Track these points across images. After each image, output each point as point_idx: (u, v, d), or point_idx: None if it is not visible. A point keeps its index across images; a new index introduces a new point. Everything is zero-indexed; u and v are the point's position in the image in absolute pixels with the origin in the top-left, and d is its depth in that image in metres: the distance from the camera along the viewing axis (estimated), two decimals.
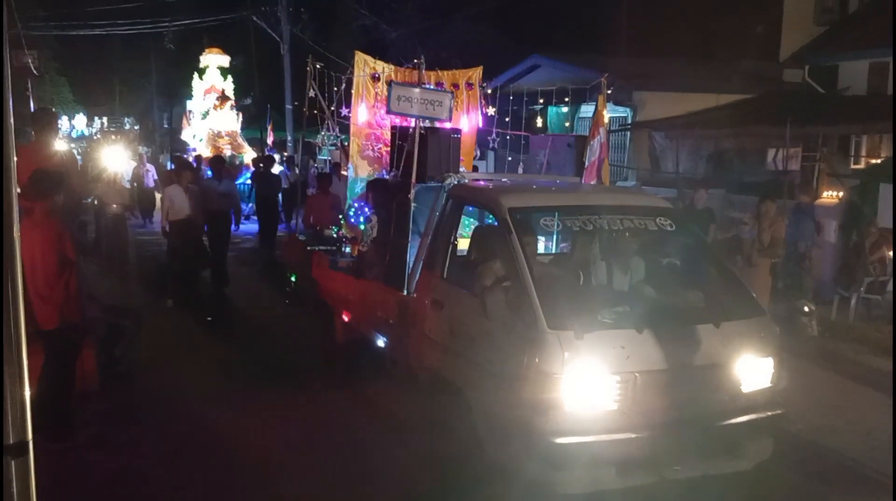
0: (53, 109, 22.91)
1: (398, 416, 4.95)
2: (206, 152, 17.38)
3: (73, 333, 4.53)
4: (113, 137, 25.20)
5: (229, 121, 19.69)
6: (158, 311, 7.94)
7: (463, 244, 4.69)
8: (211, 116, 19.43)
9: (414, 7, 25.06)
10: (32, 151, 5.51)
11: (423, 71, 5.42)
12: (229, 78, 20.53)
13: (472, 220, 5.41)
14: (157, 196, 15.51)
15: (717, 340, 3.92)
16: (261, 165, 13.50)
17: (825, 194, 10.19)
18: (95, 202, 9.97)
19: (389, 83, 5.19)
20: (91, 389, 5.21)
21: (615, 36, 20.04)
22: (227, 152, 18.18)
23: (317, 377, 5.96)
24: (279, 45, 24.79)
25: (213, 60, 20.42)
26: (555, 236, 5.41)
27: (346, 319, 5.69)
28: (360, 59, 6.59)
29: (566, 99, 9.02)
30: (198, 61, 22.58)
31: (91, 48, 33.27)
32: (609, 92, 6.60)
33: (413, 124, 5.19)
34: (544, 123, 14.68)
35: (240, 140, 19.91)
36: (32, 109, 18.56)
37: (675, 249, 4.61)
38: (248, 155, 19.20)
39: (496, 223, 4.28)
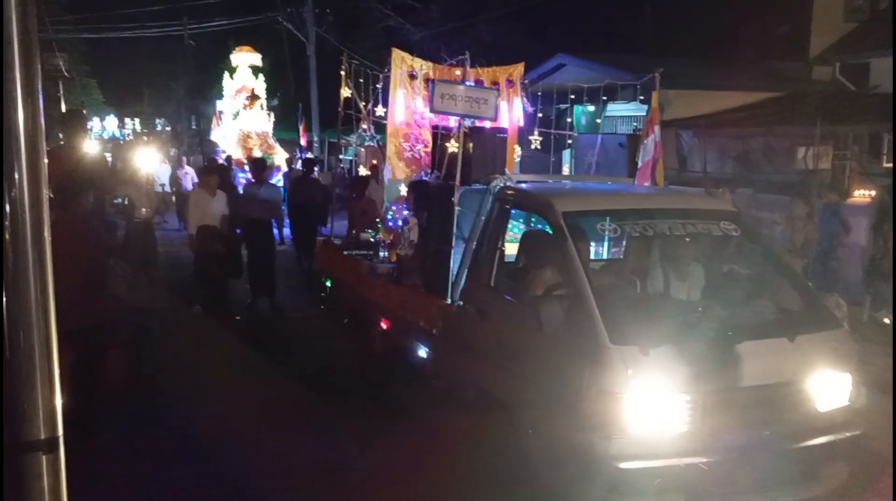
0: (84, 111, 23.15)
1: (441, 434, 4.62)
2: (237, 153, 17.00)
3: (99, 334, 4.54)
4: (145, 138, 25.18)
5: (260, 121, 19.08)
6: (185, 316, 7.80)
7: (510, 250, 4.41)
8: (241, 117, 18.82)
9: (438, 9, 24.90)
10: (63, 154, 5.41)
11: (467, 68, 5.13)
12: (261, 77, 19.73)
13: (518, 223, 5.12)
14: None
15: (792, 355, 3.60)
16: (294, 167, 13.11)
17: (856, 192, 9.82)
18: (125, 203, 9.81)
19: (433, 81, 4.87)
20: (116, 390, 5.15)
21: (640, 35, 19.67)
22: (258, 154, 17.62)
23: (350, 387, 5.73)
24: (304, 46, 24.78)
25: (245, 59, 19.56)
26: (605, 241, 5.10)
27: (383, 327, 5.44)
28: (398, 56, 6.33)
29: (603, 98, 8.69)
30: (225, 62, 22.58)
31: (120, 50, 33.69)
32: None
33: (456, 124, 4.94)
34: (571, 122, 14.46)
35: (270, 141, 19.28)
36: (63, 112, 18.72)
37: (738, 255, 4.28)
38: (280, 156, 18.82)
39: (547, 228, 4.00)
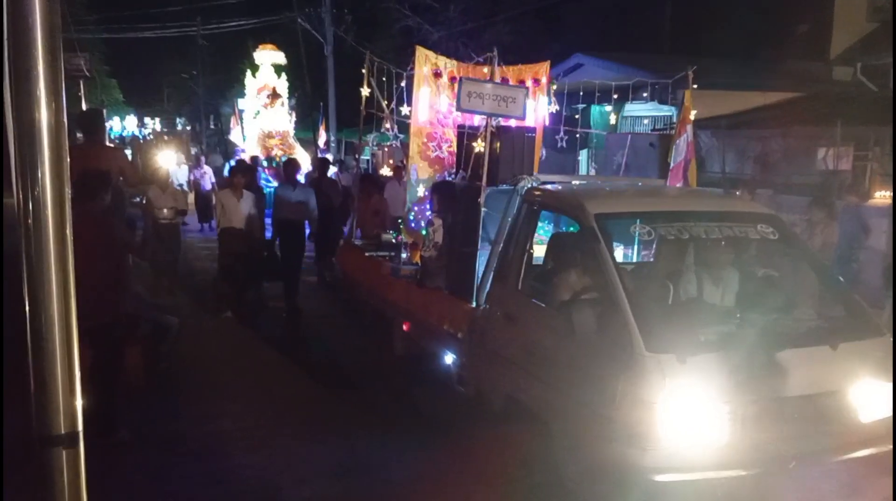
0: (104, 110, 23.32)
1: (465, 442, 4.47)
2: (256, 153, 16.70)
3: (119, 329, 4.56)
4: (165, 138, 25.14)
5: (281, 120, 18.67)
6: (206, 315, 7.75)
7: (538, 252, 4.28)
8: (262, 116, 18.41)
9: (456, 9, 24.81)
10: (82, 153, 5.38)
11: (496, 66, 5.01)
12: (283, 76, 19.29)
13: (544, 225, 4.99)
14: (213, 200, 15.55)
15: (835, 364, 3.45)
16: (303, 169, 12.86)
17: (877, 194, 9.56)
18: (144, 202, 9.58)
19: (459, 79, 4.69)
20: (135, 385, 5.23)
21: (659, 35, 19.43)
22: (278, 153, 17.48)
23: (371, 390, 5.63)
24: (322, 46, 24.79)
25: (268, 57, 19.06)
26: (635, 244, 4.96)
27: (406, 330, 5.33)
28: (421, 54, 6.19)
29: (615, 96, 8.55)
30: (243, 62, 22.54)
31: (140, 50, 33.97)
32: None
33: (482, 123, 4.82)
34: (586, 122, 14.40)
35: (291, 141, 18.90)
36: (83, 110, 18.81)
37: (776, 259, 4.12)
38: (299, 156, 18.31)
39: (578, 230, 3.87)
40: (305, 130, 22.90)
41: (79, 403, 1.33)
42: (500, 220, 4.32)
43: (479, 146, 4.64)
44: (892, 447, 3.59)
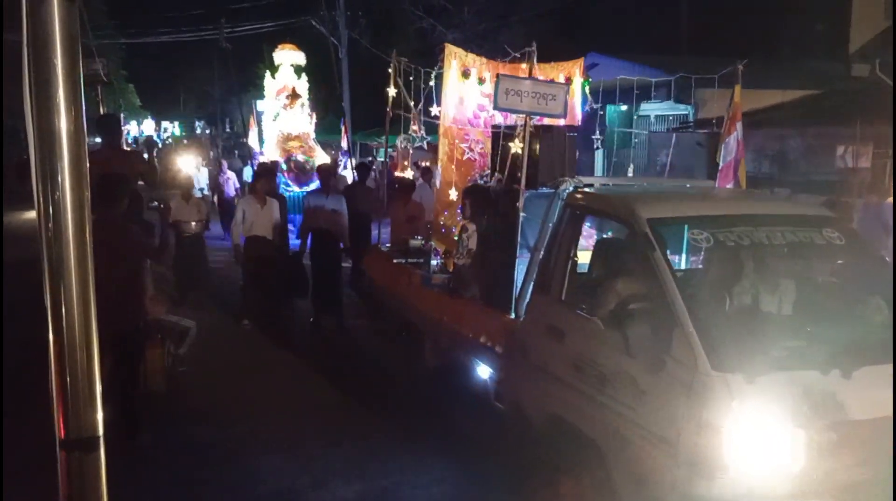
0: (122, 114, 23.27)
1: (505, 462, 4.24)
2: (275, 156, 16.06)
3: (139, 334, 4.56)
4: (185, 141, 24.91)
5: (301, 122, 17.76)
6: (232, 323, 7.58)
7: (582, 259, 4.01)
8: (281, 117, 17.53)
9: (471, 10, 24.64)
10: (100, 158, 5.26)
11: (534, 62, 4.75)
12: (303, 76, 18.39)
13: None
14: None
15: None
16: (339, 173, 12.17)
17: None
18: (162, 208, 9.21)
19: (497, 76, 4.38)
20: (155, 389, 5.22)
21: (675, 33, 19.13)
22: (299, 157, 16.79)
23: (399, 399, 5.42)
24: (337, 49, 24.69)
25: (287, 57, 18.11)
26: (683, 251, 4.67)
27: (438, 341, 5.07)
28: (451, 51, 5.92)
29: (621, 103, 8.30)
30: (259, 66, 22.30)
31: (157, 55, 34.13)
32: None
33: (517, 122, 4.57)
34: (602, 121, 14.24)
35: (311, 143, 17.96)
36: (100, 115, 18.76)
37: (841, 266, 3.82)
38: (320, 159, 17.55)
39: (628, 236, 3.60)
40: (322, 132, 22.70)
41: (99, 408, 1.33)
42: (541, 225, 4.04)
43: (515, 147, 4.37)
44: None
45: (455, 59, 5.90)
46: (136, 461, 4.20)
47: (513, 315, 4.10)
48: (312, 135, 17.86)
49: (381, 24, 26.35)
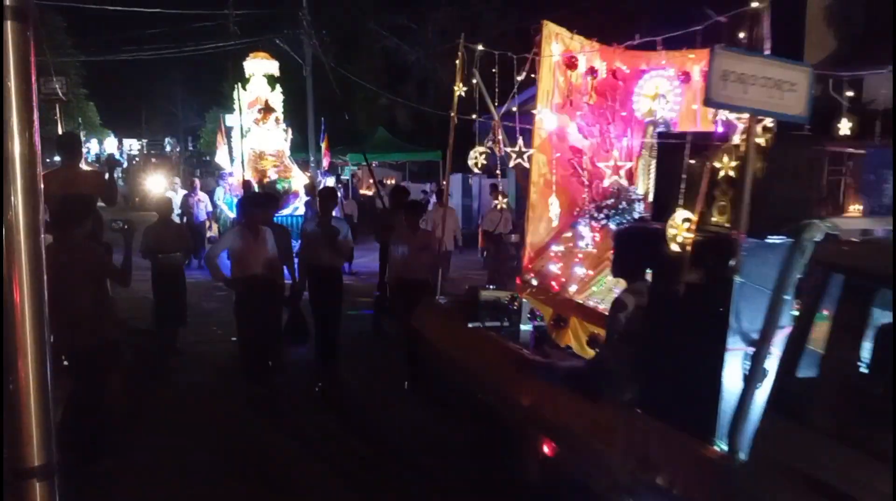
0: (82, 132, 22.92)
1: None
2: (247, 175, 14.13)
3: (100, 356, 4.48)
4: (153, 160, 24.03)
5: (275, 138, 15.84)
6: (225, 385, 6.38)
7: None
8: (253, 133, 15.44)
9: (433, 30, 25.03)
10: (60, 177, 5.33)
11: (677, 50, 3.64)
12: (277, 87, 16.71)
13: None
14: (208, 234, 13.22)
15: None
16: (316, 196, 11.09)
17: (851, 208, 9.75)
18: (125, 227, 8.45)
19: (711, 49, 2.72)
20: (117, 412, 5.07)
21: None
22: (272, 176, 15.26)
23: None
24: (301, 67, 24.84)
25: (259, 67, 16.41)
26: None
27: (549, 453, 3.62)
28: (550, 31, 4.34)
29: None
30: (221, 83, 21.88)
31: (118, 73, 33.81)
32: None
33: (728, 126, 3.30)
34: None
35: (287, 162, 16.00)
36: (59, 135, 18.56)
37: None
38: (297, 180, 15.63)
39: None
40: (296, 150, 22.60)
41: (53, 435, 1.30)
42: (772, 297, 2.60)
43: (726, 167, 2.88)
44: None
45: (557, 41, 4.38)
46: (98, 485, 4.06)
47: (725, 448, 2.64)
48: (288, 153, 16.33)
49: (345, 43, 26.58)
